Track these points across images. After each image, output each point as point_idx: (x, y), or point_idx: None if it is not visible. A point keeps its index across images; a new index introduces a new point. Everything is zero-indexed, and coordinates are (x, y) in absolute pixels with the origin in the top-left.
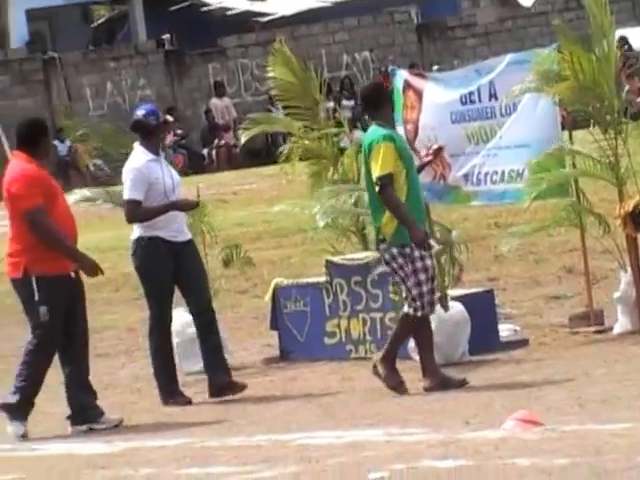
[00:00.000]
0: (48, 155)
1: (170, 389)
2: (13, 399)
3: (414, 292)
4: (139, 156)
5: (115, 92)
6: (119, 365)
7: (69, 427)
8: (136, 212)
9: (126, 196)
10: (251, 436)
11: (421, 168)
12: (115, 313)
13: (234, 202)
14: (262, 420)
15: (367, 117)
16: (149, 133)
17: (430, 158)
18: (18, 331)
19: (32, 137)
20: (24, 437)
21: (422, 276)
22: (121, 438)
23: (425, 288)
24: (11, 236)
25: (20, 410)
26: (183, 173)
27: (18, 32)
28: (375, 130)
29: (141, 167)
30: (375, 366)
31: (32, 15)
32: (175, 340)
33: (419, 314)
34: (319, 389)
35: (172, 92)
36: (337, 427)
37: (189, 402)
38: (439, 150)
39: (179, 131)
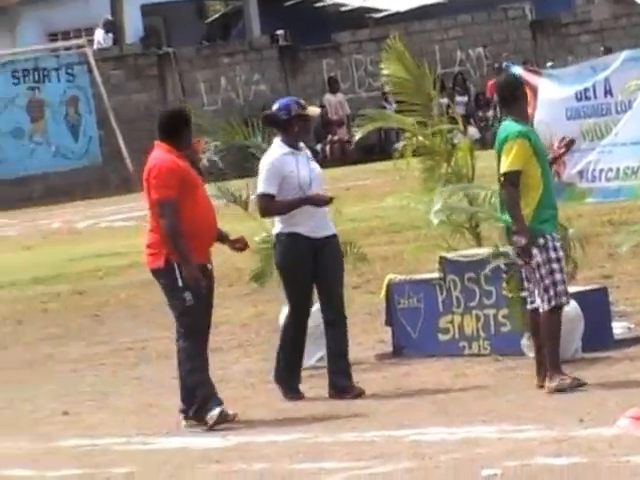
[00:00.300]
0: (190, 146)
1: (291, 385)
2: (195, 405)
3: (547, 281)
4: (275, 150)
5: (229, 87)
6: (233, 360)
7: (183, 421)
8: (269, 206)
9: (259, 190)
10: (364, 432)
11: (553, 161)
12: (228, 308)
13: (347, 198)
14: (375, 416)
15: (503, 112)
16: (281, 127)
17: (563, 151)
18: (133, 325)
19: (174, 128)
20: (226, 417)
21: (555, 265)
22: (235, 433)
23: (558, 277)
24: (150, 228)
25: (204, 408)
26: None
27: (133, 27)
28: (510, 125)
29: (274, 161)
30: (543, 386)
31: (147, 10)
32: None
33: (553, 304)
34: (432, 385)
35: (286, 88)
36: (450, 424)
37: (302, 398)
38: (571, 143)
39: None
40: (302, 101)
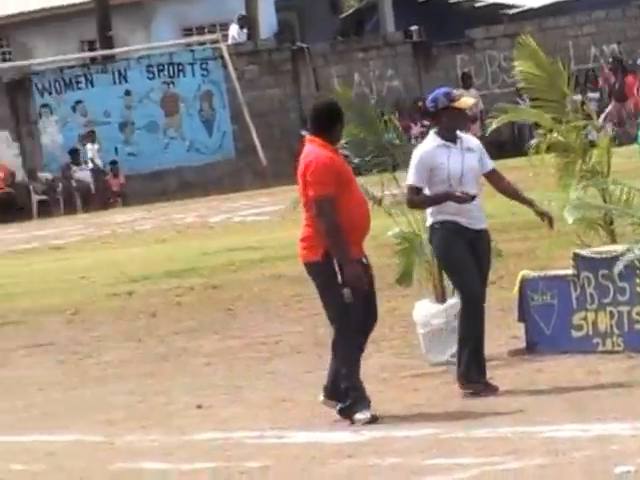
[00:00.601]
0: (340, 140)
1: (469, 374)
2: (345, 402)
3: None
4: (427, 142)
5: (363, 83)
6: (366, 355)
7: (321, 396)
8: (413, 198)
9: (407, 181)
10: (497, 428)
11: None
12: None
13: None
14: (508, 412)
15: None
16: (432, 119)
17: None
18: (266, 319)
19: (327, 121)
20: (374, 421)
21: None
22: (368, 428)
23: None
24: (306, 222)
25: (353, 408)
26: None
27: (267, 23)
28: None
29: (424, 153)
30: None
31: (281, 6)
32: (420, 331)
33: None
34: (565, 382)
35: (419, 83)
36: (584, 420)
37: (485, 390)
38: None
39: (426, 122)
40: (454, 92)
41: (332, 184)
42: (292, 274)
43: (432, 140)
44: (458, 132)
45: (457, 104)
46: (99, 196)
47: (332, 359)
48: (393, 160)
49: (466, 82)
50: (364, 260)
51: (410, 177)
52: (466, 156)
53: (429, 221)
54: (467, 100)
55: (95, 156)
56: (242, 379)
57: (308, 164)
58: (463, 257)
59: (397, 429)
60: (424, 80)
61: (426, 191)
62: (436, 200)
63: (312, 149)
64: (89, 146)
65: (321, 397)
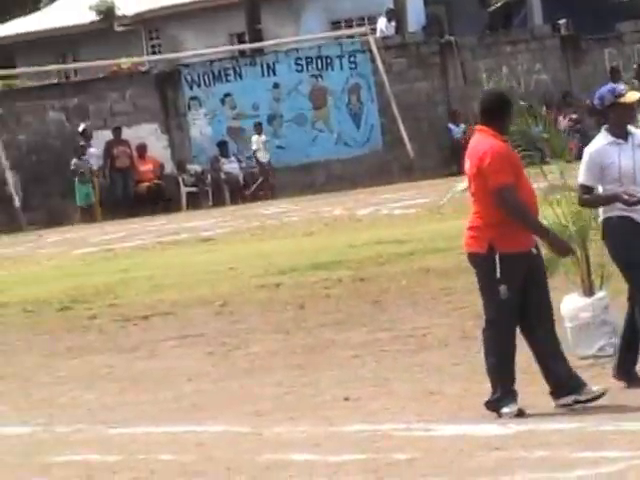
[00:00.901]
0: (509, 131)
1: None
2: (493, 396)
3: None
4: (598, 140)
5: (510, 76)
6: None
7: (552, 402)
8: (582, 197)
9: (578, 179)
10: None
11: None
12: None
13: None
14: None
15: None
16: (601, 117)
17: None
18: (414, 312)
19: (498, 112)
20: (521, 415)
21: None
22: (516, 421)
23: None
24: (475, 210)
25: (501, 400)
26: (577, 158)
27: (415, 16)
28: None
29: (593, 152)
30: None
31: None
32: (568, 324)
33: None
34: None
35: (568, 77)
36: None
37: None
38: None
39: (573, 116)
40: (620, 88)
41: (510, 173)
42: (441, 267)
43: (603, 138)
44: (630, 128)
45: (623, 99)
46: (259, 188)
47: (540, 363)
48: (542, 153)
49: (614, 76)
50: (534, 251)
51: (581, 176)
52: (637, 153)
53: (602, 216)
54: (634, 94)
55: (260, 148)
56: (390, 371)
57: (483, 155)
58: (638, 251)
59: (544, 422)
60: (572, 74)
61: (600, 189)
62: (605, 201)
63: (483, 139)
64: (254, 138)
65: (553, 403)
